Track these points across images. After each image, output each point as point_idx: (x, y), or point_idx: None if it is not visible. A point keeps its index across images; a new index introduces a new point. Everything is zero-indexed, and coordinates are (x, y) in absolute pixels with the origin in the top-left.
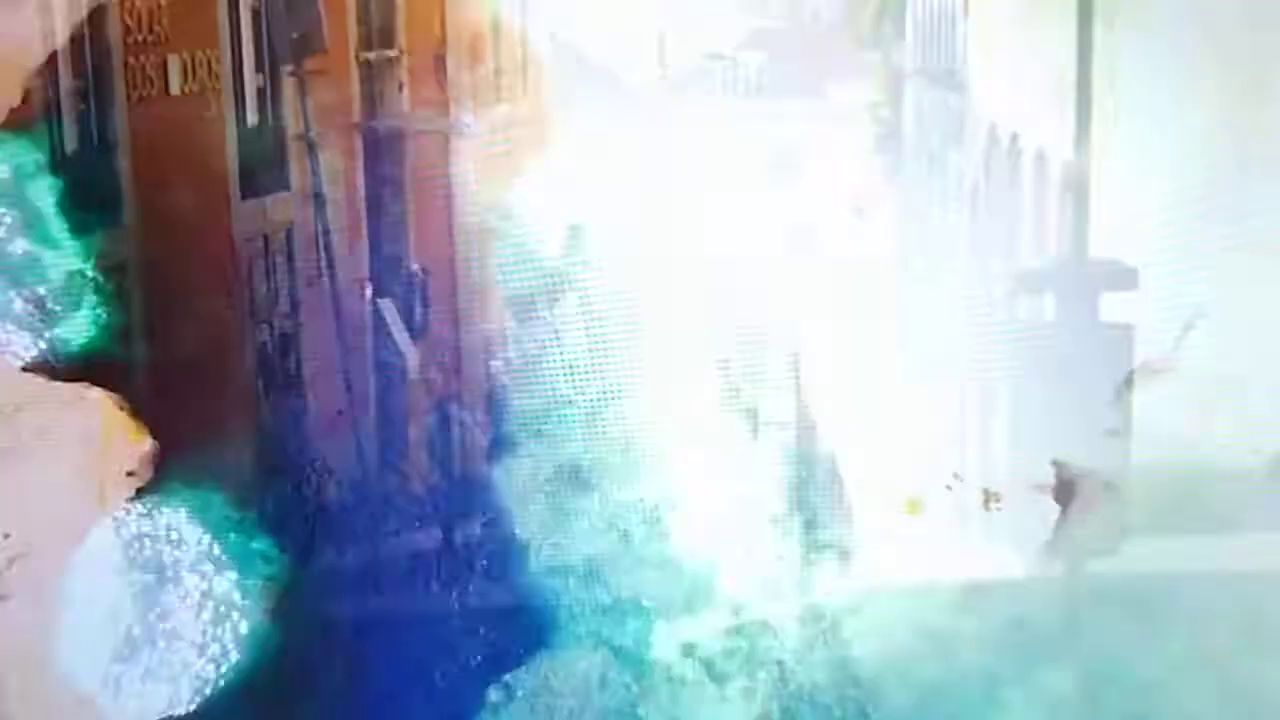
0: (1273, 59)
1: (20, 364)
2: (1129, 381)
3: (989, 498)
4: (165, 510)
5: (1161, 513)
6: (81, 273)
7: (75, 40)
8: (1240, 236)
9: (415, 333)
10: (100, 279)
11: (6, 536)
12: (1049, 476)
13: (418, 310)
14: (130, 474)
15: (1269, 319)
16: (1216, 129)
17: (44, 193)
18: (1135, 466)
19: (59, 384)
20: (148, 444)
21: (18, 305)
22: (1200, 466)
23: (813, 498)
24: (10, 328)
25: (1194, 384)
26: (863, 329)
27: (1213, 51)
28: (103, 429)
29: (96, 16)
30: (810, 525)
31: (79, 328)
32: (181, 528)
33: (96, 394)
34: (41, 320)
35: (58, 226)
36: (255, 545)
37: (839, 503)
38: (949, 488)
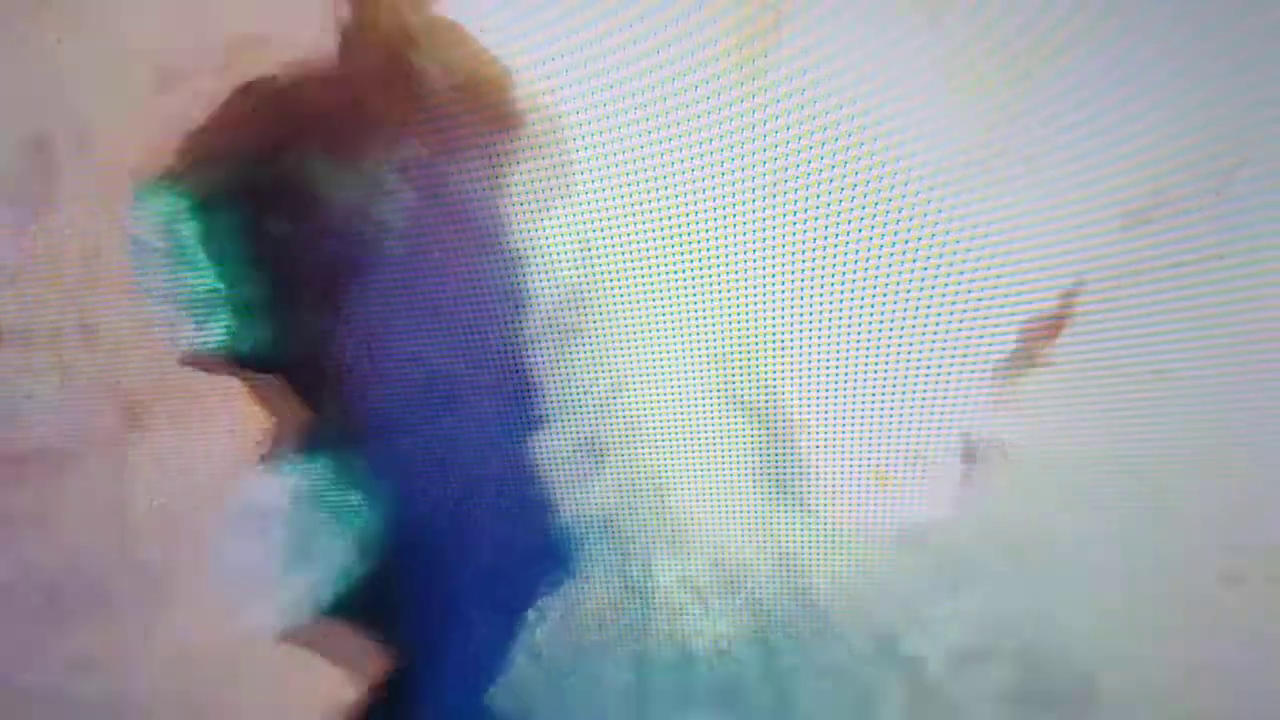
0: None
1: (176, 358)
2: (1015, 362)
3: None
4: (283, 473)
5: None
6: (216, 289)
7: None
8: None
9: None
10: (231, 295)
11: (159, 502)
12: (957, 444)
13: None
14: (257, 444)
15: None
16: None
17: (190, 231)
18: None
19: (203, 374)
20: (270, 422)
21: (168, 312)
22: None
23: (787, 466)
24: (164, 329)
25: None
26: (833, 321)
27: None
28: (240, 411)
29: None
30: (782, 486)
31: (215, 332)
32: (293, 488)
33: (235, 383)
34: (185, 323)
35: (199, 256)
36: (350, 498)
37: (807, 469)
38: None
